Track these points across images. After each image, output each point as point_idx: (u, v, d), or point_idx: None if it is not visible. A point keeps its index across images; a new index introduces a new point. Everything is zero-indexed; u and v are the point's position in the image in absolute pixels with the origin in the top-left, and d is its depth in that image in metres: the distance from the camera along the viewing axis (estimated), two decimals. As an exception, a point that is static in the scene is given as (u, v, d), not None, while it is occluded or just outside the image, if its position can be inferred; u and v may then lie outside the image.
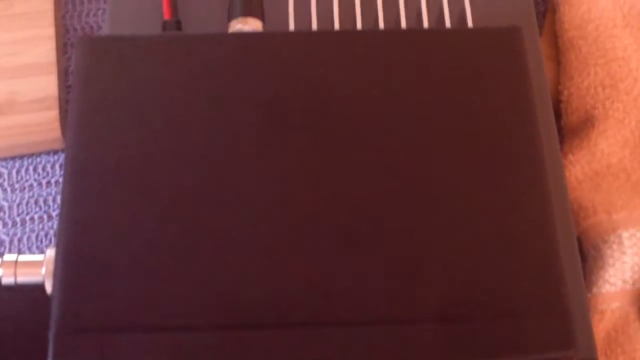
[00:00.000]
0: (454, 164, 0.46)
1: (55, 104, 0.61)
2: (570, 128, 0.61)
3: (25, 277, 0.46)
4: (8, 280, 0.46)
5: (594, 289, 0.56)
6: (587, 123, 0.60)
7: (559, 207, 0.52)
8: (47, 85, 0.62)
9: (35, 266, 0.46)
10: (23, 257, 0.46)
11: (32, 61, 0.63)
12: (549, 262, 0.44)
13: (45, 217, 0.60)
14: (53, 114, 0.61)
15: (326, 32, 0.50)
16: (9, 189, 0.61)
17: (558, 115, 0.62)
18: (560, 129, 0.61)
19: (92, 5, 0.68)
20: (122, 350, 0.41)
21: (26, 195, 0.61)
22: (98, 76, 0.48)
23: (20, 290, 0.54)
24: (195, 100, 0.47)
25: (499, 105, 0.48)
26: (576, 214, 0.58)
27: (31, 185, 0.61)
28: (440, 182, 0.45)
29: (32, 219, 0.60)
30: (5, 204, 0.60)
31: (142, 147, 0.46)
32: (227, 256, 0.43)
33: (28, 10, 0.64)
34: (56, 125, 0.61)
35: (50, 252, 0.46)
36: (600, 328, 0.55)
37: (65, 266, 0.43)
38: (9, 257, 0.47)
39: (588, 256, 0.58)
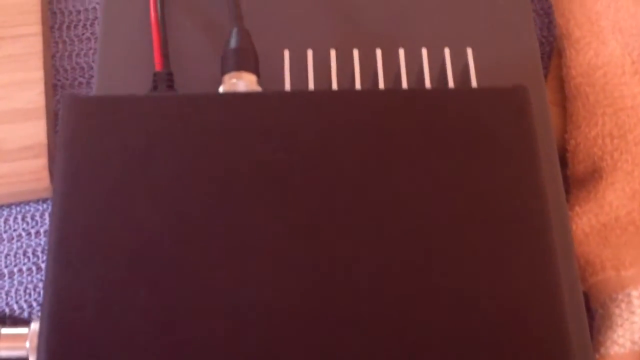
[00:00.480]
0: (457, 225, 0.44)
1: (44, 151, 0.59)
2: (577, 178, 0.59)
3: (9, 351, 0.45)
4: (-10, 353, 0.45)
5: (602, 350, 0.54)
6: (594, 174, 0.58)
7: (565, 262, 0.51)
8: (36, 131, 0.60)
9: (19, 340, 0.45)
10: (6, 331, 0.45)
11: (20, 106, 0.61)
12: (555, 326, 0.42)
13: (34, 268, 0.58)
14: (42, 162, 0.59)
15: (324, 91, 0.47)
16: (-4, 240, 0.59)
17: (564, 163, 0.60)
18: (566, 178, 0.59)
19: (82, 45, 0.66)
20: None
21: (14, 246, 0.59)
22: (84, 136, 0.46)
23: None
24: (186, 161, 0.45)
25: (503, 166, 0.46)
26: (583, 269, 0.56)
27: (20, 235, 0.59)
28: (443, 243, 0.44)
29: (20, 270, 0.58)
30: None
31: (129, 210, 0.44)
32: (218, 325, 0.41)
33: (16, 52, 0.62)
34: (45, 174, 0.59)
35: (35, 326, 0.44)
36: (609, 392, 0.53)
37: (49, 343, 0.41)
38: (-9, 330, 0.45)
39: (596, 314, 0.56)
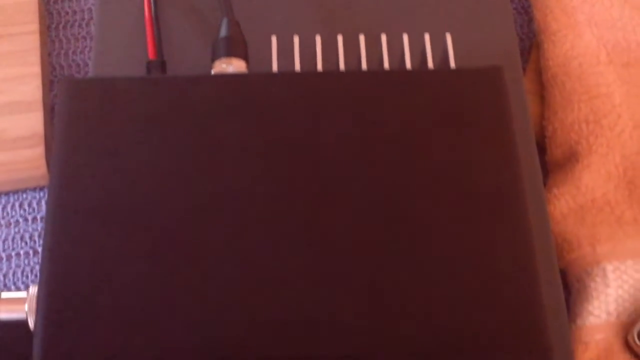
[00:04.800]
0: (435, 203, 0.46)
1: (41, 141, 0.61)
2: (555, 163, 0.61)
3: (8, 313, 0.46)
4: (-10, 316, 0.46)
5: (578, 321, 0.56)
6: (571, 158, 0.60)
7: (542, 240, 0.53)
8: (33, 122, 0.62)
9: (18, 303, 0.46)
10: (6, 294, 0.47)
11: (18, 99, 0.63)
12: (529, 299, 0.44)
13: (30, 252, 0.60)
14: (39, 151, 0.61)
15: (310, 73, 0.50)
16: (-6, 225, 0.61)
17: (543, 150, 0.62)
18: (545, 164, 0.62)
19: (78, 43, 0.68)
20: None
21: (12, 231, 0.61)
22: (81, 118, 0.48)
23: (6, 325, 0.54)
24: (179, 141, 0.47)
25: (479, 144, 0.48)
26: (560, 247, 0.58)
27: (17, 221, 0.61)
28: (421, 220, 0.45)
29: (17, 254, 0.60)
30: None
31: (125, 187, 0.46)
32: (210, 296, 0.43)
33: (14, 49, 0.65)
34: (42, 162, 0.61)
35: (33, 289, 0.46)
36: (585, 359, 0.55)
37: (47, 305, 0.43)
38: (-9, 293, 0.47)
39: (572, 289, 0.58)
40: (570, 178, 0.60)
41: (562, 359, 0.49)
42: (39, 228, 0.61)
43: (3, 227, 0.61)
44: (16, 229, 0.61)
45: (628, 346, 0.55)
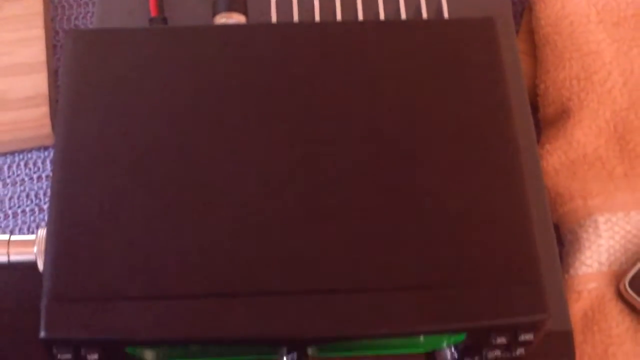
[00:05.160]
0: (431, 148, 0.48)
1: (45, 101, 0.63)
2: (547, 119, 0.63)
3: (18, 255, 0.48)
4: (1, 258, 0.48)
5: (571, 271, 0.57)
6: (563, 114, 0.62)
7: (535, 194, 0.54)
8: (38, 83, 0.63)
9: (28, 245, 0.48)
10: (15, 237, 0.48)
11: (23, 61, 0.64)
12: (522, 236, 0.45)
13: (36, 209, 0.62)
14: (43, 110, 0.62)
15: (308, 23, 0.51)
16: (0, 184, 0.63)
17: (536, 109, 0.63)
18: (537, 122, 0.63)
19: (80, 9, 0.69)
20: (110, 318, 0.42)
21: (18, 189, 0.62)
22: (86, 67, 0.50)
23: (18, 269, 0.55)
24: (181, 88, 0.49)
25: (472, 91, 0.49)
26: (553, 201, 0.60)
27: (22, 179, 0.63)
28: (419, 163, 0.47)
29: (23, 211, 0.62)
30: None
31: (129, 131, 0.48)
32: (210, 229, 0.45)
33: (18, 13, 0.66)
34: (46, 121, 0.62)
35: (42, 232, 0.47)
36: (577, 308, 0.56)
37: (56, 240, 0.44)
38: (1, 236, 0.48)
39: (565, 241, 0.59)
40: (562, 134, 0.61)
41: (557, 308, 0.50)
42: (44, 186, 0.62)
43: (9, 186, 0.62)
44: (22, 187, 0.62)
45: (620, 294, 0.57)
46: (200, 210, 0.45)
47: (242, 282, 0.43)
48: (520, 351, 0.45)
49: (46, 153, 0.64)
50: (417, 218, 0.45)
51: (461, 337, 0.44)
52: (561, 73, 0.62)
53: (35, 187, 0.62)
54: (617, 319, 0.56)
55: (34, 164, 0.63)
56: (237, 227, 0.45)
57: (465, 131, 0.48)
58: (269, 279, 0.43)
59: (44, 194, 0.62)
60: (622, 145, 0.61)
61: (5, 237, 0.48)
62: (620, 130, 0.61)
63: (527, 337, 0.44)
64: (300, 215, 0.45)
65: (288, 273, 0.43)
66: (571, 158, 0.61)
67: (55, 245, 0.44)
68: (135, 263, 0.44)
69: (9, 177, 0.63)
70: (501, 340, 0.43)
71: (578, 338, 0.55)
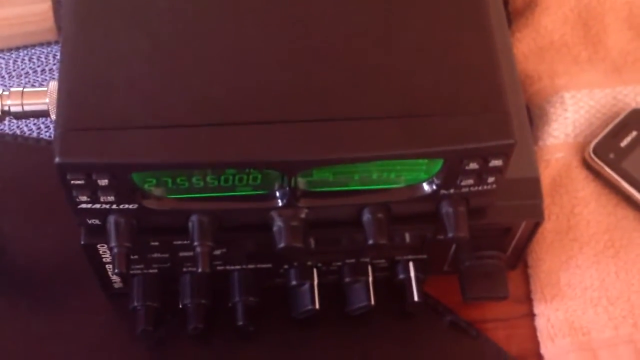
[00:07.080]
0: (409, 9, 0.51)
1: (49, -5, 0.66)
2: (517, 11, 0.68)
3: (32, 106, 0.52)
4: (16, 108, 0.52)
5: (540, 142, 0.62)
6: (531, 4, 0.67)
7: (509, 78, 0.58)
8: (41, -21, 0.67)
9: (40, 96, 0.52)
10: (28, 89, 0.52)
11: (26, -42, 0.68)
12: (490, 71, 0.49)
13: (40, 99, 0.66)
14: (46, 5, 0.66)
15: None
16: (6, 76, 0.67)
17: (506, 3, 0.68)
18: (508, 15, 0.68)
19: None
20: (117, 145, 0.46)
21: (23, 81, 0.66)
22: None
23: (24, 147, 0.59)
24: None
25: None
26: (523, 82, 0.65)
27: (27, 72, 0.67)
28: (396, 14, 0.51)
29: (28, 101, 0.66)
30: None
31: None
32: (208, 67, 0.48)
33: None
34: (49, 15, 0.66)
35: (54, 83, 0.51)
36: (546, 174, 0.61)
37: (70, 76, 0.48)
38: (15, 88, 0.52)
39: (534, 117, 0.64)
40: (530, 22, 0.66)
41: (526, 159, 0.54)
42: (48, 78, 0.66)
43: (14, 78, 0.67)
44: (26, 79, 0.67)
45: (584, 162, 0.61)
46: (199, 53, 0.49)
47: (237, 112, 0.47)
48: (491, 179, 0.49)
49: (49, 49, 0.68)
50: (398, 57, 0.49)
51: (437, 165, 0.48)
52: (529, -34, 0.67)
53: (40, 79, 0.67)
54: (582, 184, 0.61)
55: (38, 58, 0.67)
56: (233, 65, 0.48)
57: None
58: (263, 109, 0.47)
59: (48, 85, 0.66)
60: (586, 32, 0.66)
61: (19, 88, 0.52)
62: (584, 16, 0.66)
63: (497, 162, 0.48)
64: (291, 55, 0.49)
65: (281, 104, 0.47)
66: (539, 45, 0.66)
67: (69, 80, 0.48)
68: (141, 96, 0.47)
69: (14, 70, 0.67)
70: (473, 165, 0.48)
71: (547, 200, 0.59)
